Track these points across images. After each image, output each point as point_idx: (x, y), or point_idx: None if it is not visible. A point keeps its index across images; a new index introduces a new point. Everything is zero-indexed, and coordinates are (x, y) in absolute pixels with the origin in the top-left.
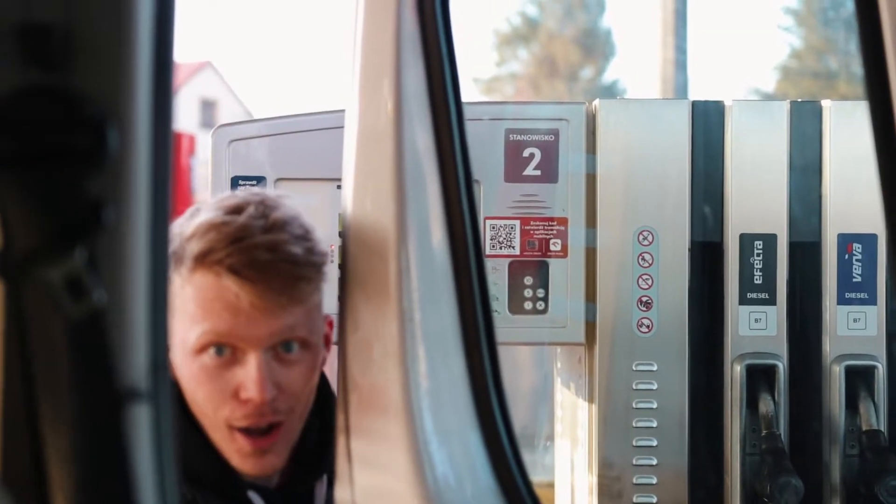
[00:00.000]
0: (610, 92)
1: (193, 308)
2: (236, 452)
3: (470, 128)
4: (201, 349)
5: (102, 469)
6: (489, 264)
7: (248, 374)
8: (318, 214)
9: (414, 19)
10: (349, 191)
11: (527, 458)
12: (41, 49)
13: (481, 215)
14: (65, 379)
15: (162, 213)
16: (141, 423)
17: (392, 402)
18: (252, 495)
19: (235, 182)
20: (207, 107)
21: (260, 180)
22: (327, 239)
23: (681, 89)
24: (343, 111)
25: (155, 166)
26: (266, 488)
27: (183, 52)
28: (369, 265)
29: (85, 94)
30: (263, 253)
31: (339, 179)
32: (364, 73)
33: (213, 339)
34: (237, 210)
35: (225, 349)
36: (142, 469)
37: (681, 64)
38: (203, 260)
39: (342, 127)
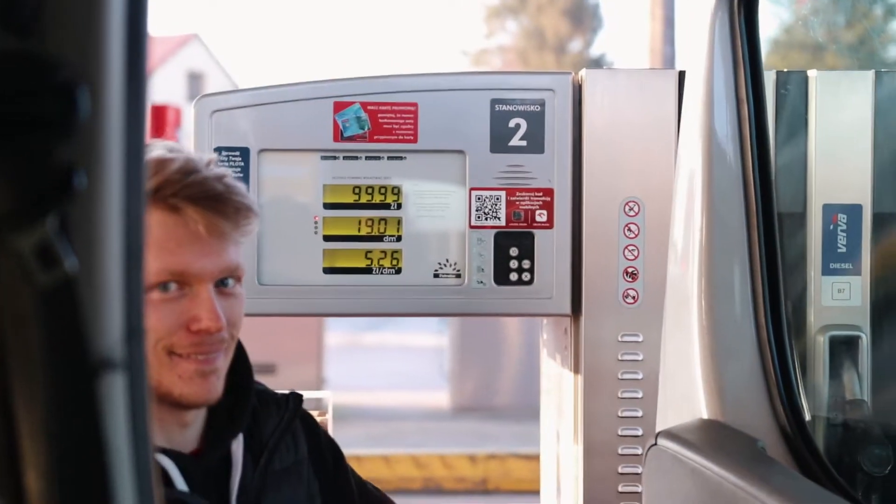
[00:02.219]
0: (598, 64)
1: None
2: (178, 378)
3: (454, 97)
4: (149, 288)
5: (77, 441)
6: (474, 235)
7: (202, 306)
8: (302, 185)
9: (727, 36)
10: (679, 166)
11: (516, 430)
12: (9, 13)
13: (466, 186)
14: (36, 350)
15: (135, 178)
16: (116, 393)
17: (694, 328)
18: (163, 459)
19: (219, 153)
20: (194, 79)
21: (243, 151)
22: (311, 210)
23: (668, 62)
24: (327, 81)
25: (128, 131)
26: (181, 454)
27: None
28: (687, 222)
29: (55, 59)
30: (216, 184)
31: (323, 150)
32: (691, 77)
33: (163, 277)
34: (175, 150)
35: (172, 285)
36: (117, 440)
37: (668, 37)
38: (157, 195)
39: (326, 97)
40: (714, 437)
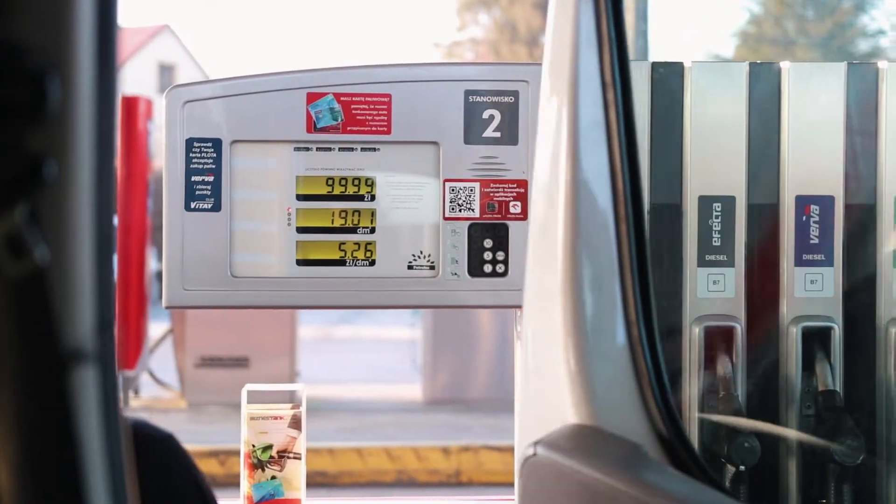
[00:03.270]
0: None
1: None
2: None
3: (428, 89)
4: None
5: (48, 433)
6: (448, 227)
7: None
8: (275, 176)
9: (591, 14)
10: (538, 154)
11: (489, 422)
12: None
13: (440, 177)
14: (6, 342)
15: (106, 167)
16: (87, 385)
17: (558, 324)
18: None
19: (190, 144)
20: (165, 71)
21: (215, 142)
22: (284, 201)
23: (641, 54)
24: (301, 71)
25: (99, 119)
26: None
27: (140, 16)
28: (547, 214)
29: (25, 45)
30: None
31: (296, 141)
32: (551, 59)
33: None
34: None
35: None
36: (88, 433)
37: (641, 30)
38: None
39: (299, 88)
40: (595, 444)
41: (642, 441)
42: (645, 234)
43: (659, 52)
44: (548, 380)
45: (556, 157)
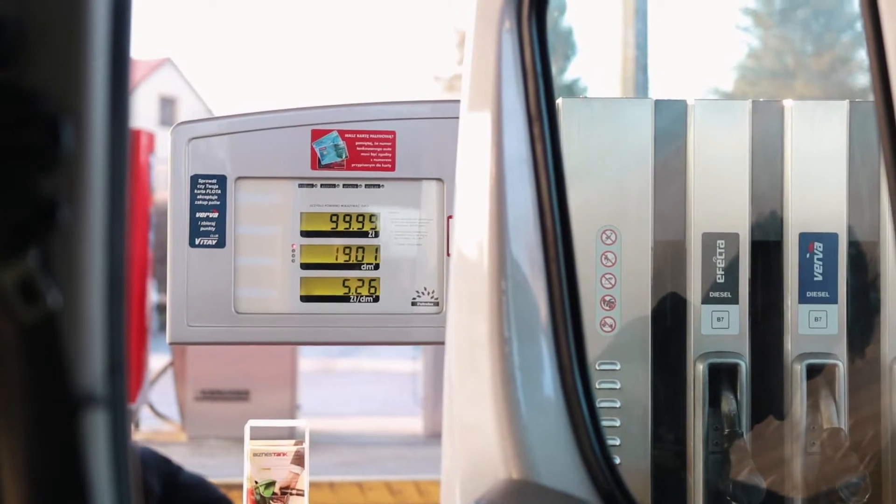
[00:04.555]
0: (570, 90)
1: None
2: None
3: (431, 126)
4: None
5: (58, 478)
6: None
7: None
8: (280, 213)
9: (514, 45)
10: (459, 191)
11: None
12: None
13: (444, 214)
14: (18, 385)
15: (119, 212)
16: (98, 429)
17: (487, 374)
18: None
19: (195, 180)
20: (167, 104)
21: (220, 178)
22: (288, 238)
23: (641, 88)
24: (305, 108)
25: (111, 164)
26: None
27: (142, 48)
28: (471, 256)
29: (39, 90)
30: None
31: (301, 178)
32: (472, 91)
33: None
34: None
35: None
36: (99, 477)
37: (641, 64)
38: None
39: (303, 125)
40: (539, 502)
41: (583, 494)
42: (576, 275)
43: (658, 85)
44: (477, 432)
45: (479, 194)
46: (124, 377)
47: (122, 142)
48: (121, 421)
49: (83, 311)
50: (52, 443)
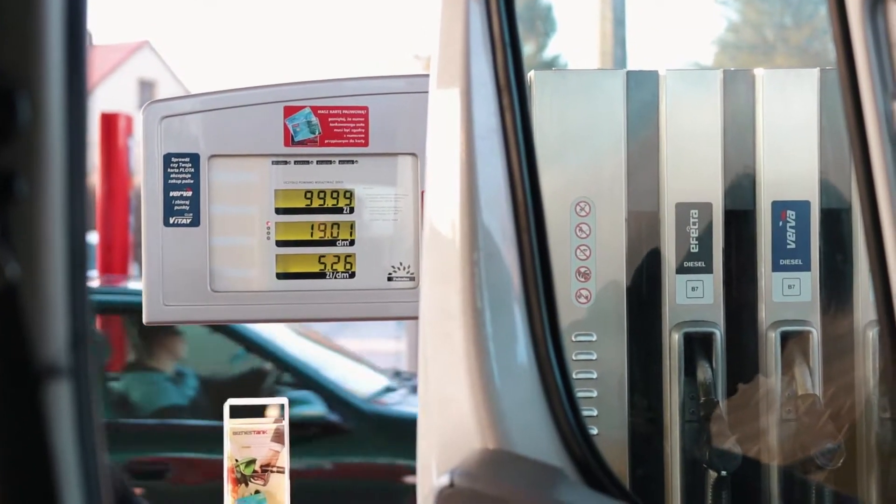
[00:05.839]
0: (550, 67)
1: None
2: None
3: (405, 100)
4: None
5: (23, 449)
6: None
7: None
8: (254, 190)
9: (482, 15)
10: (430, 165)
11: None
12: None
13: (419, 189)
14: None
15: (77, 183)
16: (62, 401)
17: (461, 346)
18: None
19: (168, 159)
20: (146, 87)
21: (193, 157)
22: (263, 215)
23: (619, 63)
24: (277, 85)
25: (69, 136)
26: None
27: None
28: (443, 228)
29: None
30: None
31: (274, 155)
32: (441, 64)
33: None
34: None
35: None
36: (64, 448)
37: (619, 38)
38: None
39: (276, 102)
40: (514, 470)
41: (558, 462)
42: (548, 245)
43: (637, 60)
44: (452, 403)
45: (450, 167)
46: (87, 349)
47: (80, 114)
48: (85, 392)
49: (43, 282)
50: (15, 414)
